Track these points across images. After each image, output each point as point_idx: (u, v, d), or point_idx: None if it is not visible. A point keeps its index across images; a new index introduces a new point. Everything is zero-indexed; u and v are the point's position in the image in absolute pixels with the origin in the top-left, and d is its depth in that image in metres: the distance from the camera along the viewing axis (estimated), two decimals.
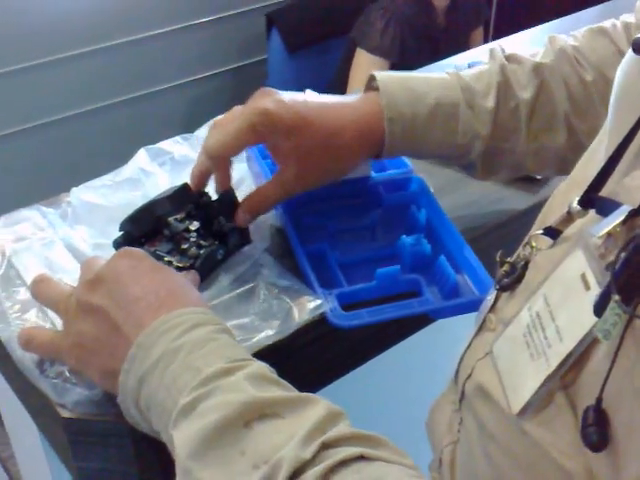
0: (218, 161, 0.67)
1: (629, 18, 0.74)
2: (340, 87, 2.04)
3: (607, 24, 0.74)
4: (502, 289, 0.49)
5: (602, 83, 0.70)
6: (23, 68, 2.11)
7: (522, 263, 0.47)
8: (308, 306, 0.62)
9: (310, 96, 0.67)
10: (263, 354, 0.59)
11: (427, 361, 0.90)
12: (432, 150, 0.70)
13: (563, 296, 0.41)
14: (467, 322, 0.66)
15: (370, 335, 0.67)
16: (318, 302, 0.62)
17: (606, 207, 0.40)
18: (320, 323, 0.62)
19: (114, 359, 0.52)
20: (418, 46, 2.01)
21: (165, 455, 0.52)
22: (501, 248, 0.76)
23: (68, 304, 0.56)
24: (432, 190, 0.73)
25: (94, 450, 0.58)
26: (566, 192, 0.49)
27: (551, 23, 1.24)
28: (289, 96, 0.65)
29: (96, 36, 2.20)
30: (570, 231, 0.45)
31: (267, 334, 0.61)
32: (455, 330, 0.77)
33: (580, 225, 0.44)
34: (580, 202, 0.44)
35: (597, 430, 0.36)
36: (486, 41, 2.28)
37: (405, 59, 1.98)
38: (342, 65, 2.11)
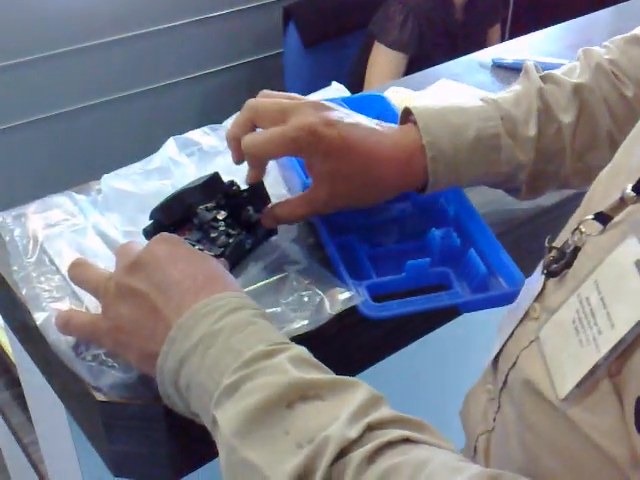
0: (253, 159, 0.66)
1: None
2: (357, 82, 2.05)
3: (639, 31, 0.73)
4: (551, 275, 0.48)
5: None
6: (54, 54, 2.13)
7: (571, 249, 0.47)
8: (339, 297, 0.62)
9: (356, 118, 0.66)
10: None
11: (454, 353, 0.90)
12: (476, 180, 0.69)
13: (616, 282, 0.40)
14: (495, 316, 0.66)
15: (398, 327, 0.68)
16: (349, 294, 0.62)
17: None
18: (349, 313, 0.62)
19: (153, 342, 0.53)
20: (436, 41, 2.01)
21: (196, 440, 0.53)
22: (528, 244, 0.77)
23: (107, 287, 0.57)
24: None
25: (128, 433, 0.59)
26: (611, 178, 0.49)
27: (567, 23, 1.24)
28: (337, 115, 0.64)
29: (118, 27, 2.22)
30: (621, 217, 0.44)
31: (299, 324, 0.61)
32: (482, 323, 0.78)
33: (632, 211, 0.44)
34: (634, 188, 0.43)
35: None
36: (503, 39, 2.28)
37: (423, 54, 1.98)
38: (358, 59, 2.11)
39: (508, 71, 1.07)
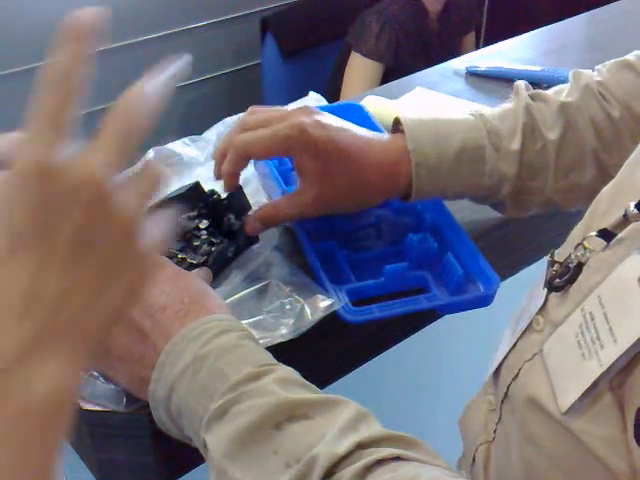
0: (239, 158, 0.67)
1: None
2: (334, 91, 2.06)
3: (631, 57, 0.74)
4: (554, 289, 0.49)
5: (629, 118, 0.71)
6: (32, 69, 2.13)
7: (575, 264, 0.48)
8: (320, 305, 0.63)
9: (345, 124, 0.67)
10: (274, 349, 0.61)
11: (434, 357, 0.92)
12: (460, 191, 0.70)
13: (619, 298, 0.41)
14: (474, 317, 0.68)
15: (378, 331, 0.69)
16: (330, 301, 0.63)
17: None
18: (330, 319, 0.63)
19: (142, 366, 0.53)
20: (412, 50, 2.04)
21: (181, 447, 0.54)
22: (503, 247, 0.79)
23: None
24: None
25: (113, 442, 0.59)
26: (613, 195, 0.50)
27: (541, 29, 1.26)
28: (327, 119, 0.66)
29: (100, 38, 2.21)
30: (625, 234, 0.45)
31: (281, 333, 0.62)
32: (461, 327, 0.80)
33: (635, 228, 0.45)
34: (637, 206, 0.44)
35: None
36: (477, 46, 2.31)
37: (399, 63, 2.01)
38: (336, 69, 2.13)
39: (482, 79, 1.09)
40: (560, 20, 1.28)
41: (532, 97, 0.72)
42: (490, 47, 1.23)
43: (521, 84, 0.73)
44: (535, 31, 1.25)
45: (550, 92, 0.73)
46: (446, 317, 0.70)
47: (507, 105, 0.72)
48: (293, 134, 0.63)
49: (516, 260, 0.78)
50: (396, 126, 0.70)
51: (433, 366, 0.94)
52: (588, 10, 1.32)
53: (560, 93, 0.73)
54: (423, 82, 1.07)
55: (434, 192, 0.69)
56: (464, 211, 0.76)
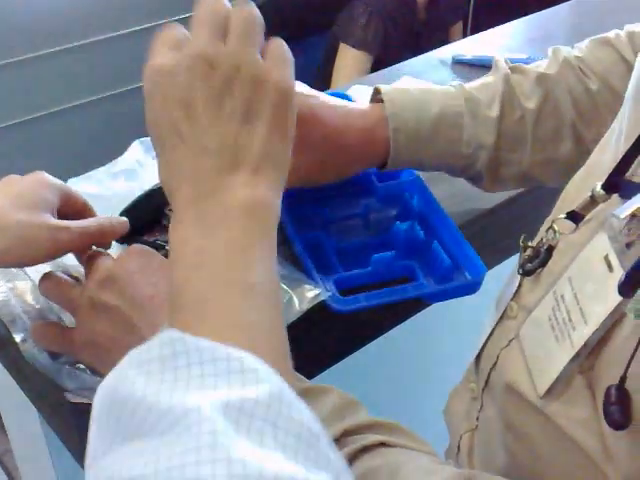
0: None
1: (633, 27, 0.74)
2: (324, 82, 2.06)
3: (611, 34, 0.74)
4: (526, 274, 0.49)
5: (607, 92, 0.71)
6: (16, 62, 2.11)
7: (545, 247, 0.48)
8: (308, 295, 0.63)
9: (322, 94, 0.67)
10: None
11: (422, 346, 0.92)
12: (437, 160, 0.70)
13: (587, 278, 0.42)
14: (461, 305, 0.68)
15: (367, 320, 0.69)
16: (317, 291, 0.63)
17: (629, 190, 0.42)
18: (317, 309, 0.63)
19: None
20: (400, 40, 2.04)
21: None
22: (489, 235, 0.79)
23: (80, 302, 0.57)
24: (423, 179, 0.75)
25: None
26: (584, 178, 0.51)
27: (527, 17, 1.26)
28: (303, 87, 0.65)
29: (83, 31, 2.20)
30: (592, 215, 0.46)
31: None
32: (452, 314, 0.80)
33: (602, 209, 0.45)
34: (604, 186, 0.45)
35: (619, 409, 0.37)
36: (465, 35, 2.31)
37: (388, 53, 2.00)
38: (324, 61, 2.12)
39: (468, 67, 1.09)
40: (546, 8, 1.28)
41: (511, 69, 0.72)
42: (476, 36, 1.23)
43: (501, 59, 0.74)
44: (521, 19, 1.25)
45: (529, 66, 0.73)
46: (434, 306, 0.70)
47: (487, 78, 0.73)
48: None
49: (503, 249, 0.78)
50: (376, 96, 0.70)
51: (421, 355, 0.94)
52: None
53: (539, 66, 0.73)
54: (410, 71, 1.07)
55: (411, 161, 0.69)
56: (451, 199, 0.76)
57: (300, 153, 0.64)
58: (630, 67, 0.70)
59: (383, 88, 0.69)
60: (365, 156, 0.68)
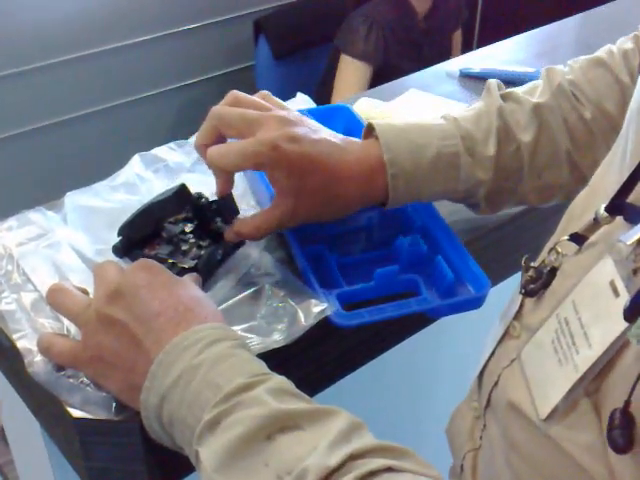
0: (217, 171, 0.66)
1: (626, 44, 0.74)
2: (326, 92, 2.07)
3: (604, 53, 0.74)
4: (528, 294, 0.49)
5: (602, 119, 0.71)
6: (16, 73, 2.12)
7: (548, 269, 0.48)
8: (313, 310, 0.62)
9: (319, 133, 0.66)
10: (265, 356, 0.60)
11: (427, 362, 0.91)
12: (435, 196, 0.70)
13: (592, 303, 0.41)
14: (466, 322, 0.67)
15: (370, 336, 0.68)
16: (323, 306, 0.62)
17: (634, 214, 0.41)
18: (322, 324, 0.62)
19: (134, 374, 0.53)
20: (401, 50, 2.04)
21: (173, 455, 0.54)
22: (494, 250, 0.79)
23: (87, 316, 0.57)
24: None
25: (104, 450, 0.59)
26: (587, 200, 0.50)
27: (535, 31, 1.26)
28: (302, 131, 0.64)
29: (84, 42, 2.21)
30: (597, 237, 0.45)
31: (274, 339, 0.61)
32: (456, 331, 0.79)
33: (606, 231, 0.45)
34: (607, 209, 0.44)
35: (623, 433, 0.37)
36: (470, 48, 2.31)
37: (389, 63, 2.01)
38: (327, 71, 2.13)
39: (475, 80, 1.09)
40: (553, 22, 1.28)
41: (504, 97, 0.71)
42: (483, 49, 1.23)
43: (493, 83, 0.73)
44: (528, 33, 1.25)
45: (522, 91, 0.73)
46: (439, 321, 0.70)
47: (479, 106, 0.71)
48: (263, 151, 0.61)
49: (509, 264, 0.77)
50: (369, 131, 0.69)
51: (426, 371, 0.94)
52: (582, 11, 1.32)
53: (532, 93, 0.72)
54: (416, 84, 1.07)
55: (410, 198, 0.68)
56: (455, 214, 0.76)
57: (297, 201, 0.64)
58: (624, 87, 0.70)
59: (377, 126, 0.67)
60: (363, 200, 0.67)
